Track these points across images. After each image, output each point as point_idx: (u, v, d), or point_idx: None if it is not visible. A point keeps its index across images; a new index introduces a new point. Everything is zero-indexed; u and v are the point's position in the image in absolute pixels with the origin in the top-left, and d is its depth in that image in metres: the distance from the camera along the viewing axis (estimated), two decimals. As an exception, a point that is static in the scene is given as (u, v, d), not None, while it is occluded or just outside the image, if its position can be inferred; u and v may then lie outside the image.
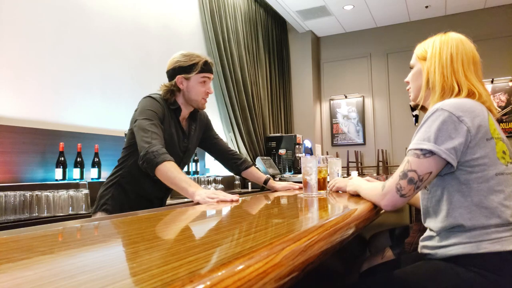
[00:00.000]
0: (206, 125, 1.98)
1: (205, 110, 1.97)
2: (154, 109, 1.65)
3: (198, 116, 1.90)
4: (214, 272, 0.44)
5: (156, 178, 1.48)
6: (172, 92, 1.73)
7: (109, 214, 1.67)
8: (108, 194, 1.72)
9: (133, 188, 1.74)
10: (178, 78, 1.71)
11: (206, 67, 1.73)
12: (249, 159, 2.25)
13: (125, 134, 2.43)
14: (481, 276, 0.98)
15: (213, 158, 2.07)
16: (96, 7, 2.97)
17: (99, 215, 1.71)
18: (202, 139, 1.97)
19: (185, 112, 1.79)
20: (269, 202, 1.49)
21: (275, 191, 2.01)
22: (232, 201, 1.35)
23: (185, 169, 3.00)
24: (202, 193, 1.37)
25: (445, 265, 1.05)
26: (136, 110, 1.69)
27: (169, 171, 1.44)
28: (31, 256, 0.59)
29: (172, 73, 1.73)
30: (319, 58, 6.63)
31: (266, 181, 2.01)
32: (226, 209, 1.22)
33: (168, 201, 2.42)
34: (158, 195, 1.83)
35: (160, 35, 3.64)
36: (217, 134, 2.04)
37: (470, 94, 1.15)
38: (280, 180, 3.96)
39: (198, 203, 1.35)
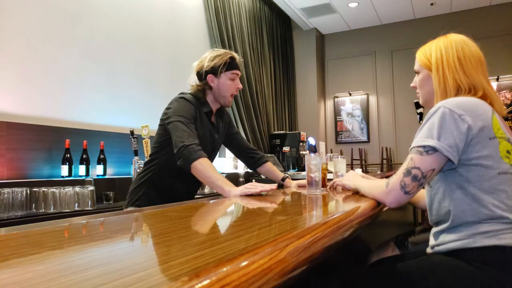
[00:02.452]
0: (229, 122, 2.04)
1: None
2: (188, 109, 1.71)
3: (224, 115, 1.97)
4: (220, 268, 0.46)
5: (188, 173, 1.54)
6: (203, 91, 1.80)
7: None
8: (140, 191, 1.79)
9: (165, 184, 1.80)
10: (209, 77, 1.78)
11: (233, 63, 1.80)
12: (266, 155, 2.29)
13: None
14: (482, 271, 0.99)
15: (218, 155, 2.10)
16: (102, 5, 2.99)
17: None
18: (225, 136, 2.03)
19: (213, 110, 1.86)
20: (274, 200, 1.50)
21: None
22: (271, 189, 1.48)
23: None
24: (236, 191, 1.46)
25: (446, 259, 1.06)
26: (168, 108, 1.74)
27: (204, 169, 1.52)
28: (41, 251, 0.60)
29: (203, 72, 1.80)
30: (324, 55, 6.62)
31: (284, 179, 2.04)
32: (231, 207, 1.24)
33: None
34: (188, 190, 1.89)
35: (165, 33, 3.65)
36: (237, 130, 2.10)
37: (477, 93, 1.16)
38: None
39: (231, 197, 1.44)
